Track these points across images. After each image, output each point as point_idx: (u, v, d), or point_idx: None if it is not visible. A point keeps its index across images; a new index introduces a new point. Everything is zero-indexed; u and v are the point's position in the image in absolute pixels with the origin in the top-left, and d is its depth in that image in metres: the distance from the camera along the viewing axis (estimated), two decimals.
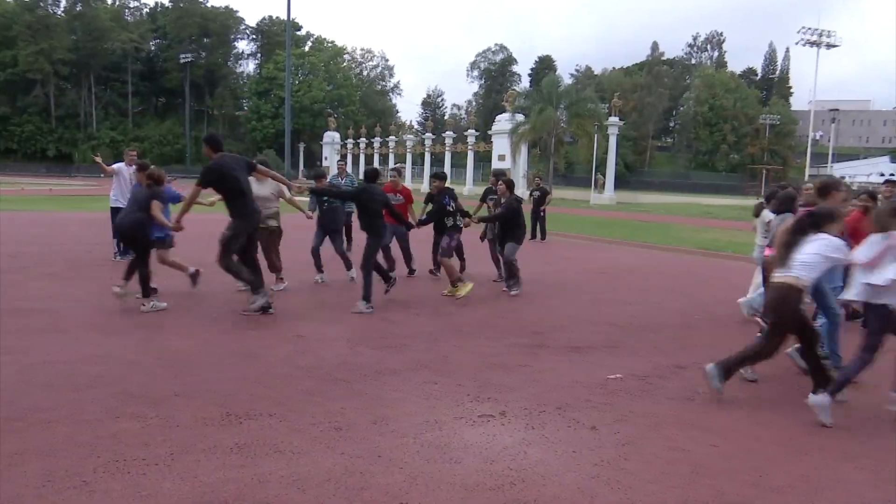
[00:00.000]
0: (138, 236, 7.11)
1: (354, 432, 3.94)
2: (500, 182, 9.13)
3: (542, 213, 16.42)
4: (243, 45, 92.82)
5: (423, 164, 59.53)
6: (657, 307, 8.36)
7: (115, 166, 10.71)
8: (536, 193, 16.71)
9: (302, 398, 4.51)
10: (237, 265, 6.80)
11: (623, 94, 56.59)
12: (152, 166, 7.69)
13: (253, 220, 6.91)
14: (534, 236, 16.50)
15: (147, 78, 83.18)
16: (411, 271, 9.94)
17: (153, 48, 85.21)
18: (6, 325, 6.24)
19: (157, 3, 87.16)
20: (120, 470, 3.37)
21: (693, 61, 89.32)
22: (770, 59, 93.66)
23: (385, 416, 4.20)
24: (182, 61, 76.61)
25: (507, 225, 8.83)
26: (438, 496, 3.22)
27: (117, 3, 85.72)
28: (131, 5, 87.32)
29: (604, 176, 44.25)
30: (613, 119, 42.97)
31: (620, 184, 48.19)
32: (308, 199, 9.28)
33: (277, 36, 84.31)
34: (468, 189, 51.47)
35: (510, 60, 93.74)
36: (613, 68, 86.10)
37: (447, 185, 9.17)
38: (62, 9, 78.87)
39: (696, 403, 4.71)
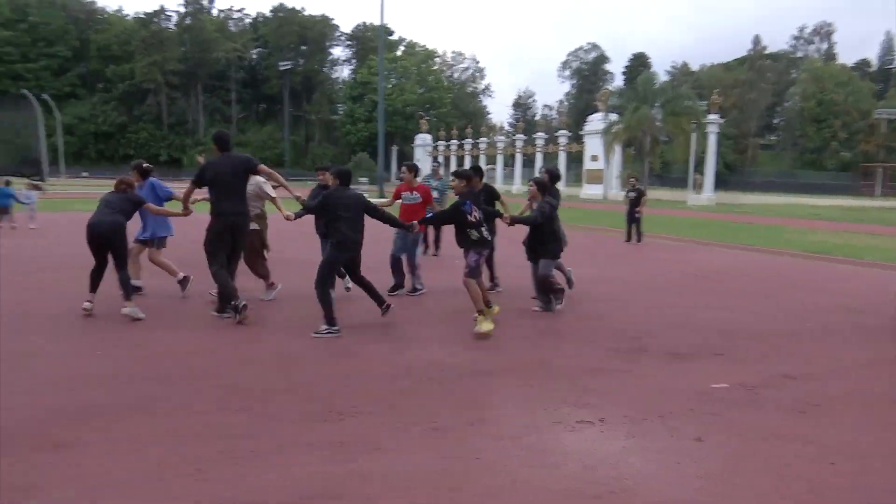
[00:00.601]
0: (116, 239, 6.75)
1: (452, 433, 3.96)
2: (531, 182, 8.05)
3: (637, 215, 16.00)
4: (338, 52, 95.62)
5: (513, 166, 59.33)
6: (762, 313, 7.95)
7: None
8: (632, 194, 16.29)
9: (400, 397, 4.58)
10: (224, 276, 6.70)
11: (723, 90, 54.29)
12: (125, 177, 7.38)
13: (224, 220, 6.72)
14: (629, 238, 16.11)
15: (249, 85, 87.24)
16: (414, 289, 8.57)
17: (255, 57, 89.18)
18: (126, 318, 6.69)
19: (258, 14, 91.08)
20: (229, 460, 3.53)
21: (799, 54, 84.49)
22: (887, 48, 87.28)
23: (482, 419, 4.20)
24: (281, 69, 79.74)
25: (538, 235, 7.54)
26: (538, 502, 3.18)
27: (222, 14, 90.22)
28: (235, 16, 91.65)
29: (702, 176, 42.61)
30: (712, 116, 41.29)
31: (720, 184, 46.24)
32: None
33: (371, 42, 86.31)
34: (560, 190, 50.88)
35: (603, 59, 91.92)
36: (712, 64, 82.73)
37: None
38: (173, 23, 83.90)
39: (810, 417, 4.44)
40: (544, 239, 7.48)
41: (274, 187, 7.84)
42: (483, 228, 6.66)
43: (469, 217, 6.58)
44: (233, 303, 6.62)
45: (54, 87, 75.32)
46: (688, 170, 44.48)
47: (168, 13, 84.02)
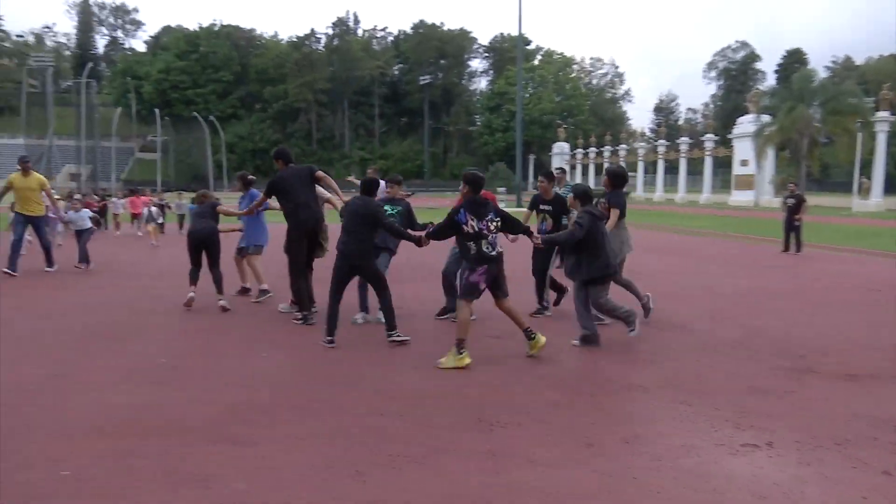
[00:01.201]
0: (212, 240, 8.05)
1: (606, 450, 3.84)
2: (570, 194, 6.96)
3: (797, 223, 14.85)
4: (476, 64, 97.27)
5: (654, 173, 57.26)
6: None
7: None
8: (791, 201, 15.15)
9: (549, 409, 4.51)
10: (302, 288, 7.24)
11: (894, 84, 49.31)
12: (203, 191, 9.22)
13: (299, 226, 7.32)
14: (787, 248, 14.98)
15: (391, 100, 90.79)
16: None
17: (396, 73, 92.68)
18: (286, 323, 7.13)
19: (399, 32, 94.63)
20: (386, 463, 3.62)
21: None
22: None
23: (637, 436, 4.04)
24: (421, 83, 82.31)
25: (583, 252, 6.24)
26: None
27: (366, 34, 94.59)
28: (378, 35, 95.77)
29: (869, 179, 38.85)
30: (882, 114, 37.55)
31: (892, 188, 41.94)
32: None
33: (508, 52, 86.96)
34: (705, 197, 48.49)
35: (753, 57, 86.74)
36: (881, 56, 75.39)
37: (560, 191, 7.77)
38: (322, 44, 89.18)
39: None
40: (581, 257, 6.26)
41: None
42: (486, 241, 5.69)
43: (465, 227, 5.73)
44: (304, 313, 7.19)
45: (219, 110, 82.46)
46: (851, 173, 40.69)
47: (318, 36, 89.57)
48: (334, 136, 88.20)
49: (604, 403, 4.65)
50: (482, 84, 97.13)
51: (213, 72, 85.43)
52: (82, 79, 57.28)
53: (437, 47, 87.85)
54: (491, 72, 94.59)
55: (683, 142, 52.95)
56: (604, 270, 6.25)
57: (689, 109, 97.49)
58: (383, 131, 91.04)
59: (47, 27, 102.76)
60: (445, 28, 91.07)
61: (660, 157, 54.85)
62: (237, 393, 4.81)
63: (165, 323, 7.32)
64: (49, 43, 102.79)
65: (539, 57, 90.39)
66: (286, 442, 3.91)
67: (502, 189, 42.84)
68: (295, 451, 3.79)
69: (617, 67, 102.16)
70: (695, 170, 53.88)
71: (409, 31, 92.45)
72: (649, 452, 3.79)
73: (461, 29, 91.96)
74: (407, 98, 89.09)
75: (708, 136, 50.78)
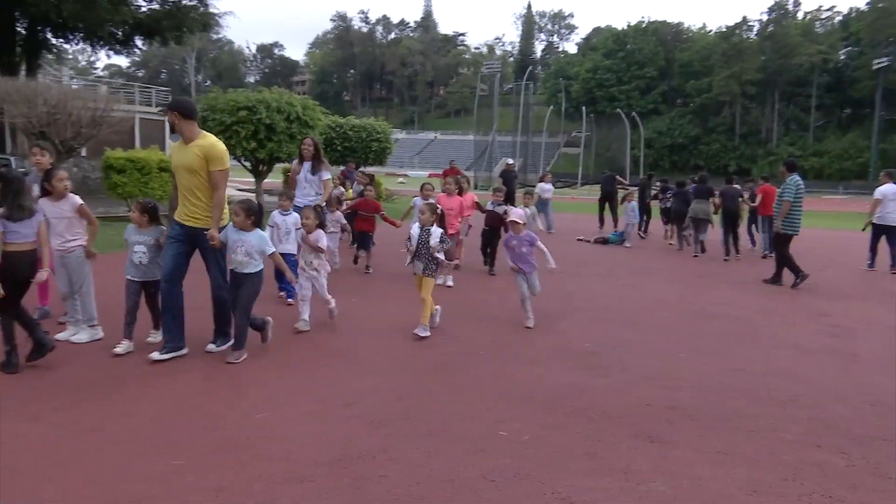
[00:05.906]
0: None
1: None
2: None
3: None
4: None
5: None
6: None
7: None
8: None
9: None
10: None
11: None
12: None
13: None
14: None
15: (833, 89, 79.91)
16: None
17: (842, 57, 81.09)
18: (700, 328, 6.85)
19: (850, 10, 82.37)
20: None
21: None
22: None
23: None
24: (875, 67, 70.37)
25: None
26: None
27: (808, 17, 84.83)
28: (822, 16, 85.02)
29: None
30: None
31: None
32: None
33: None
34: None
35: None
36: None
37: None
38: (755, 32, 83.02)
39: None
40: None
41: None
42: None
43: None
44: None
45: (640, 105, 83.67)
46: None
47: (750, 23, 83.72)
48: (760, 131, 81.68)
49: None
50: None
51: (637, 68, 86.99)
52: (522, 81, 64.05)
53: None
54: None
55: None
56: None
57: None
58: (819, 125, 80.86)
59: (497, 38, 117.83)
60: None
61: None
62: (657, 390, 4.78)
63: (589, 310, 7.63)
64: (498, 52, 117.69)
65: None
66: (710, 453, 3.74)
67: None
68: (720, 465, 3.59)
69: None
70: None
71: (863, 7, 79.83)
72: None
73: None
74: (853, 86, 77.21)
75: None
